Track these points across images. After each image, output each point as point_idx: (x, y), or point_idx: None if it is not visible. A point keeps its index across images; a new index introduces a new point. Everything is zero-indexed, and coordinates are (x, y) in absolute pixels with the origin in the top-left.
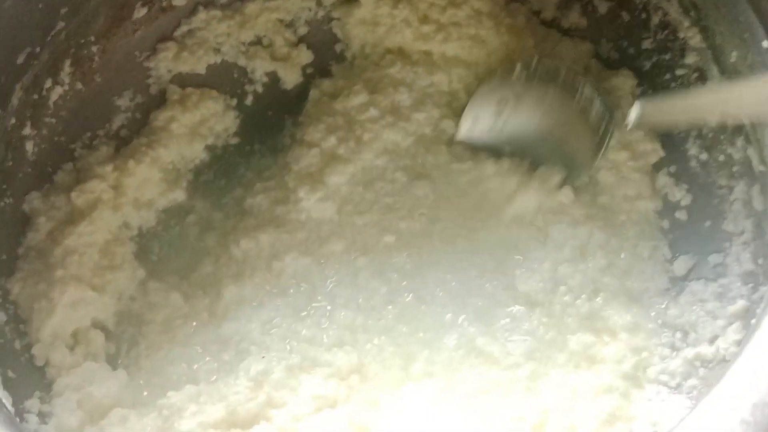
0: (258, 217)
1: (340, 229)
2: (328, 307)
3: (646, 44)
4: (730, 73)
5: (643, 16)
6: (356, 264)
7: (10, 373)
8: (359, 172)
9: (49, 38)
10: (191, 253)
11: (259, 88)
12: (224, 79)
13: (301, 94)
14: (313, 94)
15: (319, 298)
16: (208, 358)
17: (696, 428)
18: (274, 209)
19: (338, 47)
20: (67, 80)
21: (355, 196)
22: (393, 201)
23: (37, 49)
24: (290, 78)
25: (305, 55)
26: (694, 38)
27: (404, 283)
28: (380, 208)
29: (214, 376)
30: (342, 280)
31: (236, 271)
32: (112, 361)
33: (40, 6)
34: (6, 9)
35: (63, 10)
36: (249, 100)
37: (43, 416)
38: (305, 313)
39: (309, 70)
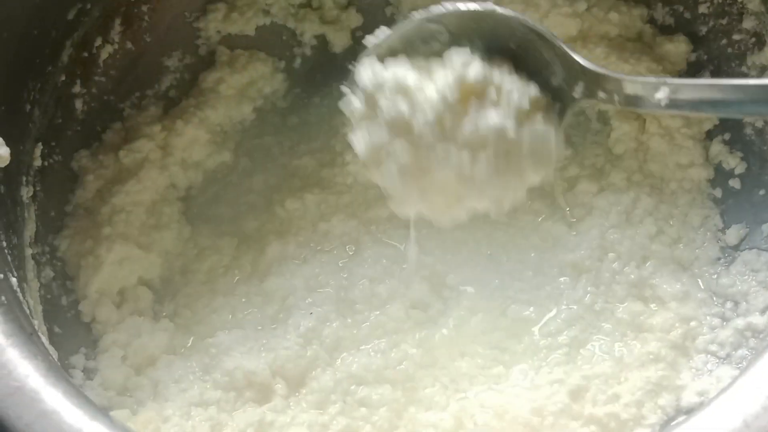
0: (304, 179)
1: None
2: (371, 271)
3: (703, 8)
4: None
5: None
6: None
7: (56, 329)
8: None
9: None
10: (236, 211)
11: (308, 51)
12: (273, 41)
13: (350, 57)
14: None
15: (364, 260)
16: (252, 309)
17: (748, 390)
18: (320, 171)
19: (388, 10)
20: (117, 39)
21: None
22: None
23: (88, 6)
24: (339, 41)
25: (355, 18)
26: (753, 2)
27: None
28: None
29: (260, 326)
30: (385, 247)
31: (280, 229)
32: (157, 315)
33: None
34: None
35: None
36: (297, 63)
37: (88, 372)
38: (347, 274)
39: (358, 33)
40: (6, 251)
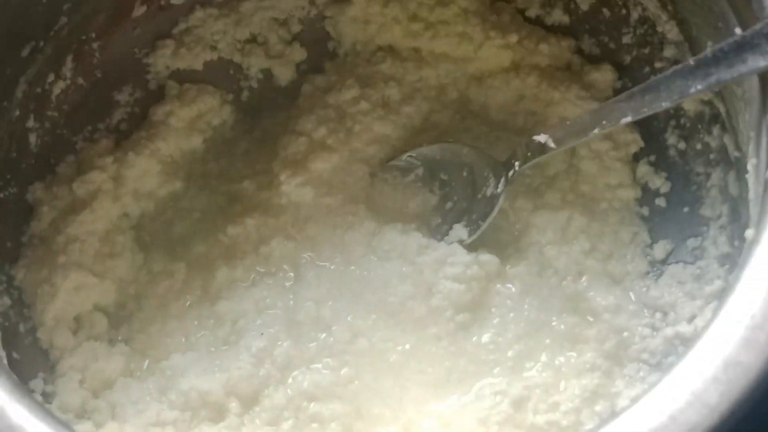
0: (244, 203)
1: (316, 212)
2: (314, 293)
3: (626, 39)
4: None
5: (624, 12)
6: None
7: (15, 355)
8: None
9: (52, 33)
10: (186, 238)
11: (254, 84)
12: (221, 76)
13: (294, 89)
14: (306, 88)
15: (308, 282)
16: (205, 332)
17: (672, 388)
18: (259, 195)
19: (331, 45)
20: (69, 75)
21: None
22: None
23: (41, 44)
24: (284, 74)
25: (299, 53)
26: (672, 31)
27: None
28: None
29: (213, 348)
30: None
31: (227, 254)
32: (112, 340)
33: (44, 1)
34: (12, 3)
35: (65, 6)
36: (245, 96)
37: (46, 396)
38: (292, 296)
39: (302, 67)
40: None
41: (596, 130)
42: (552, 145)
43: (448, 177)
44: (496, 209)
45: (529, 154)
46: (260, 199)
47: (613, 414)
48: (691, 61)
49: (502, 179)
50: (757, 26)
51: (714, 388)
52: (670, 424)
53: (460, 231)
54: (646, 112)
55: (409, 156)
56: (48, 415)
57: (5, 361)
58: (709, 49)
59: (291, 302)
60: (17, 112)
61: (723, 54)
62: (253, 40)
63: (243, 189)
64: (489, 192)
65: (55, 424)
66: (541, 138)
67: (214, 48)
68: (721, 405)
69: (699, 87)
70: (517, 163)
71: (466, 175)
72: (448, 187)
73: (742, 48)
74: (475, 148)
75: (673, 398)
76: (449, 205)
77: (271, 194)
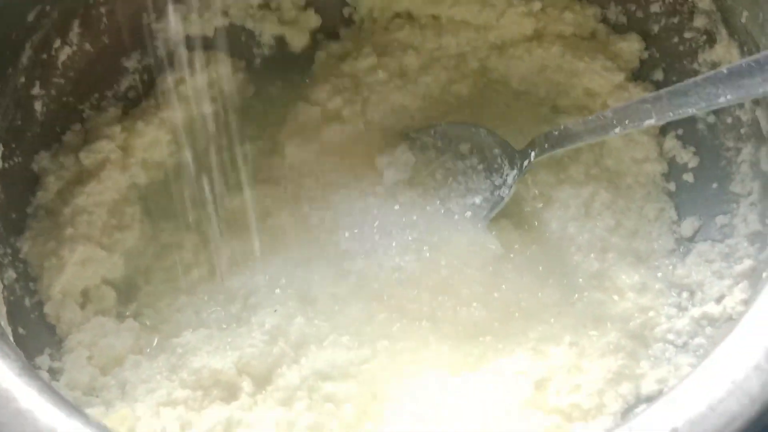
0: (249, 173)
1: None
2: (326, 267)
3: (655, 7)
4: (739, 33)
5: None
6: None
7: (21, 330)
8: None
9: None
10: (194, 209)
11: (267, 51)
12: (232, 42)
13: (308, 57)
14: (320, 56)
15: (318, 255)
16: (216, 308)
17: (710, 376)
18: (264, 164)
19: (346, 11)
20: (75, 40)
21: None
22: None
23: (48, 7)
24: (298, 41)
25: (313, 19)
26: (704, 1)
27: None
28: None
29: (224, 325)
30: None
31: (234, 226)
32: (121, 314)
33: None
34: None
35: None
36: (257, 63)
37: (53, 373)
38: (304, 270)
39: (317, 34)
40: None
41: (618, 129)
42: (571, 140)
43: (465, 156)
44: (508, 197)
45: (547, 145)
46: (265, 169)
47: (638, 397)
48: (724, 70)
49: (516, 170)
50: None
51: (756, 377)
52: (709, 414)
53: (476, 208)
54: (671, 116)
55: (426, 131)
56: (59, 399)
57: (12, 338)
58: (743, 60)
59: (303, 278)
60: (22, 79)
61: (758, 66)
62: (266, 5)
63: (248, 159)
64: (503, 178)
65: (67, 408)
66: (561, 130)
67: (225, 13)
68: (763, 395)
69: (729, 97)
70: (533, 154)
71: (482, 157)
72: (466, 166)
73: None
74: (493, 133)
75: (711, 387)
76: (466, 181)
77: (276, 163)
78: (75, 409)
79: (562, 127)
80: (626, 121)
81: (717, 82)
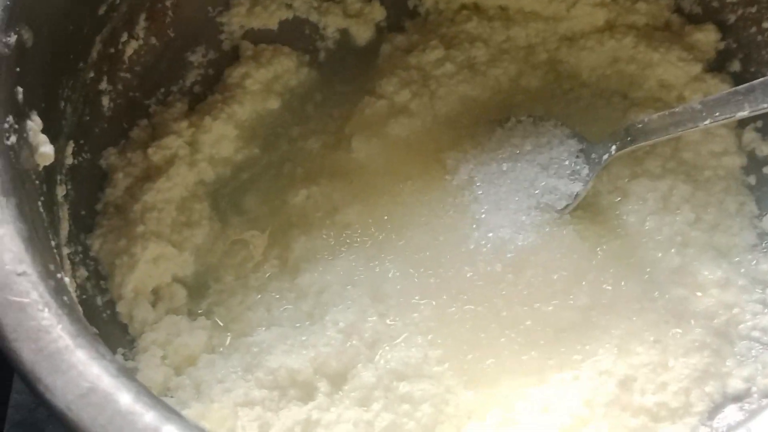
0: (315, 168)
1: (391, 177)
2: (398, 263)
3: None
4: None
5: None
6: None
7: (93, 330)
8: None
9: None
10: (262, 205)
11: (331, 45)
12: (296, 35)
13: (374, 50)
14: (385, 48)
15: (388, 251)
16: (287, 306)
17: None
18: (330, 158)
19: (411, 3)
20: (141, 34)
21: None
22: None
23: (117, 1)
24: (363, 34)
25: (378, 11)
26: None
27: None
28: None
29: (297, 323)
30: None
31: (302, 223)
32: (192, 313)
33: None
34: None
35: None
36: (322, 56)
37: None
38: (376, 267)
39: (382, 27)
40: (55, 251)
41: (708, 121)
42: (656, 133)
43: (538, 150)
44: (585, 191)
45: (629, 139)
46: (331, 164)
47: (725, 396)
48: None
49: (594, 164)
50: None
51: None
52: None
53: (552, 203)
54: (765, 108)
55: (497, 124)
56: (157, 401)
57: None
58: None
59: (375, 275)
60: (92, 74)
61: None
62: None
63: (314, 153)
64: (580, 172)
65: (165, 411)
66: (644, 123)
67: (289, 6)
68: None
69: None
70: (614, 147)
71: (556, 151)
72: (540, 160)
73: None
74: (567, 126)
75: None
76: (541, 176)
77: (342, 158)
78: (173, 411)
79: (645, 119)
80: (716, 113)
81: None
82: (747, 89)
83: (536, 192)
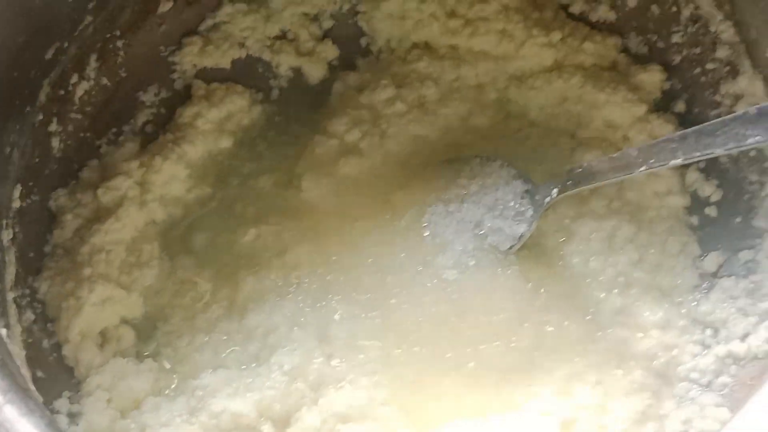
0: (264, 208)
1: (340, 218)
2: (345, 305)
3: (676, 38)
4: (763, 66)
5: (674, 9)
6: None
7: (39, 373)
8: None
9: (77, 32)
10: (211, 245)
11: (284, 83)
12: (249, 74)
13: (326, 88)
14: (337, 86)
15: (335, 293)
16: (234, 347)
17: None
18: (280, 198)
19: (363, 41)
20: (92, 75)
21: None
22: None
23: (65, 44)
24: (315, 73)
25: (331, 50)
26: (727, 32)
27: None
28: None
29: (243, 365)
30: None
31: (250, 263)
32: (139, 355)
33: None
34: (38, 4)
35: (91, 4)
36: (275, 95)
37: (73, 416)
38: (322, 309)
39: (334, 65)
40: None
41: (643, 168)
42: (595, 178)
43: (485, 190)
44: (529, 232)
45: (569, 183)
46: (281, 202)
47: None
48: (754, 110)
49: (537, 206)
50: None
51: None
52: None
53: (497, 243)
54: (698, 156)
55: (446, 164)
56: None
57: (32, 384)
58: None
59: (322, 316)
60: (40, 116)
61: None
62: (282, 36)
63: (265, 192)
64: (524, 213)
65: None
66: (584, 168)
67: (242, 45)
68: None
69: (759, 138)
70: (555, 191)
71: (502, 191)
72: (486, 200)
73: None
74: (514, 166)
75: None
76: (486, 216)
77: (293, 197)
78: None
79: (585, 164)
80: (651, 160)
81: (746, 123)
82: (681, 137)
83: (482, 233)
